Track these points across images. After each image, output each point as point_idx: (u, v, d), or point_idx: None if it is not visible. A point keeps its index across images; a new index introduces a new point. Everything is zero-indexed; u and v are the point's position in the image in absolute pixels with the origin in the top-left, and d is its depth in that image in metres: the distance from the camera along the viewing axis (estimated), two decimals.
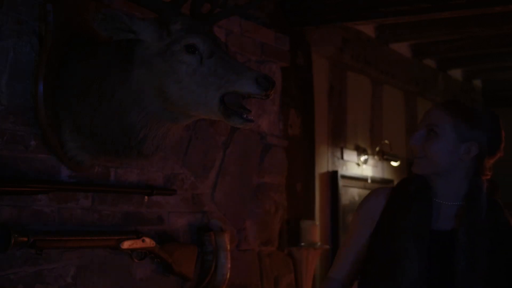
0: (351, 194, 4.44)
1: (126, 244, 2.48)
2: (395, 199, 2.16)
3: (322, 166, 4.19)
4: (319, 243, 3.74)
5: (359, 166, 4.60)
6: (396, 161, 4.86)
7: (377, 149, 4.78)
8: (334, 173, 4.28)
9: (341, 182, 4.31)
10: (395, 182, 4.68)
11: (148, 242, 2.57)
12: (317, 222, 3.97)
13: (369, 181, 4.60)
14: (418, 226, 2.05)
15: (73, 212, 2.38)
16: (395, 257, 2.03)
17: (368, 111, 4.87)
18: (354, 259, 2.17)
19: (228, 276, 2.99)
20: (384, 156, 4.81)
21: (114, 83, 2.18)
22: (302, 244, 3.66)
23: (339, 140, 4.41)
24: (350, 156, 4.51)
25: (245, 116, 2.10)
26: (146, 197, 2.69)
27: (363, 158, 4.61)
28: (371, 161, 4.69)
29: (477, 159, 2.09)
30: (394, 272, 2.01)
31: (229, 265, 2.99)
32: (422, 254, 2.00)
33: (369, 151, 4.66)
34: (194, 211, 2.98)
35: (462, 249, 1.99)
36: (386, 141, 4.85)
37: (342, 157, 4.42)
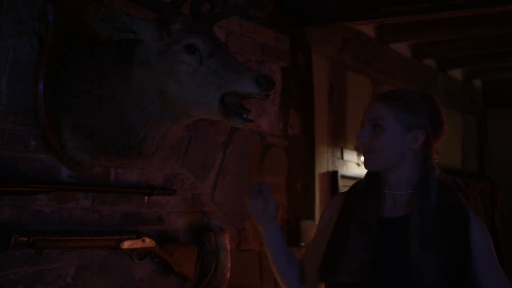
0: None
1: (126, 244, 2.48)
2: (348, 197, 2.19)
3: (322, 166, 4.20)
4: None
5: (359, 166, 4.60)
6: None
7: None
8: (334, 173, 4.28)
9: (341, 182, 4.31)
10: None
11: (148, 242, 2.57)
12: (317, 222, 3.97)
13: None
14: (364, 216, 2.07)
15: (73, 212, 2.38)
16: (339, 248, 2.05)
17: None
18: (311, 260, 2.20)
19: (228, 276, 2.99)
20: None
21: (114, 83, 2.18)
22: (302, 244, 3.66)
23: (339, 140, 4.41)
24: (350, 156, 4.51)
25: (245, 116, 2.10)
26: (146, 197, 2.69)
27: (363, 158, 4.60)
28: None
29: (425, 145, 2.11)
30: (337, 263, 2.03)
31: (229, 265, 2.99)
32: (367, 242, 2.01)
33: None
34: (194, 211, 2.98)
35: (415, 230, 2.00)
36: None
37: (342, 157, 4.42)
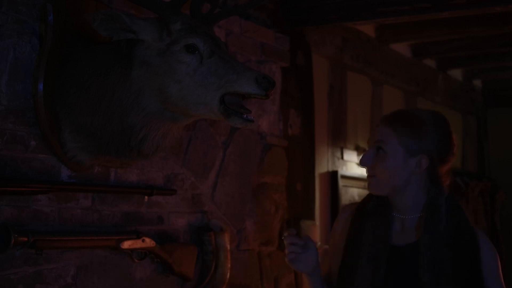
0: (351, 194, 4.44)
1: (126, 244, 2.48)
2: (356, 217, 2.13)
3: (322, 166, 4.19)
4: (319, 243, 3.74)
5: (359, 166, 4.59)
6: None
7: None
8: (334, 173, 4.28)
9: (341, 182, 4.31)
10: None
11: (148, 242, 2.57)
12: (317, 222, 3.97)
13: None
14: (373, 245, 2.02)
15: (73, 212, 2.38)
16: (349, 280, 2.02)
17: (368, 111, 4.87)
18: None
19: (228, 276, 2.99)
20: None
21: (114, 83, 2.18)
22: None
23: (339, 140, 4.41)
24: (350, 156, 4.51)
25: (245, 116, 2.10)
26: (146, 197, 2.69)
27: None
28: None
29: (430, 170, 2.05)
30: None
31: (229, 265, 2.99)
32: (377, 273, 1.98)
33: None
34: (194, 211, 2.98)
35: (425, 262, 1.96)
36: None
37: (342, 157, 4.42)
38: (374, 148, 2.07)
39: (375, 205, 2.11)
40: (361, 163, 2.11)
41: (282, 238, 2.11)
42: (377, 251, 2.01)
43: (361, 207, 2.16)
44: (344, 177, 4.36)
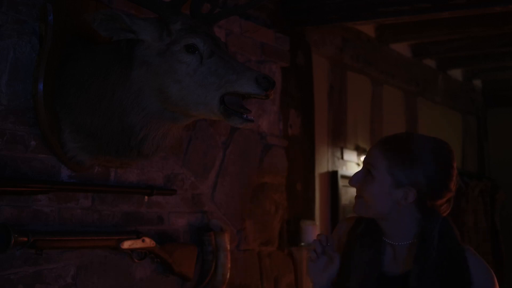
0: (351, 194, 4.44)
1: (126, 244, 2.48)
2: (349, 238, 2.05)
3: (322, 166, 4.19)
4: None
5: (359, 166, 4.60)
6: None
7: None
8: (334, 173, 4.28)
9: (341, 182, 4.31)
10: None
11: (148, 242, 2.57)
12: (317, 222, 3.97)
13: None
14: (363, 271, 1.95)
15: (73, 212, 2.38)
16: None
17: (368, 111, 4.87)
18: None
19: (228, 276, 2.99)
20: None
21: (114, 83, 2.18)
22: (302, 244, 3.66)
23: (339, 140, 4.41)
24: (350, 156, 4.51)
25: (245, 116, 2.10)
26: (146, 197, 2.69)
27: (363, 158, 4.60)
28: None
29: (418, 203, 1.93)
30: None
31: (229, 265, 2.99)
32: None
33: None
34: (194, 211, 2.98)
35: None
36: None
37: (342, 157, 4.42)
38: (364, 169, 1.99)
39: (365, 229, 2.03)
40: (350, 182, 2.02)
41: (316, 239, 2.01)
42: (366, 278, 1.94)
43: (352, 231, 2.08)
44: (344, 177, 4.36)
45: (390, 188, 1.92)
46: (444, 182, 1.93)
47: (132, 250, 2.52)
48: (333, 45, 4.28)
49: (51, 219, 2.30)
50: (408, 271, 1.93)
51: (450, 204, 1.99)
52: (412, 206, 1.93)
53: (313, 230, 3.71)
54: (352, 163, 4.52)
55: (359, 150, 4.60)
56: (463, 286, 1.90)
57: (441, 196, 1.94)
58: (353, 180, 2.00)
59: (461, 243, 1.95)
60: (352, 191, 4.47)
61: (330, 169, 4.28)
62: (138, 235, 2.53)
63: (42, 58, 2.20)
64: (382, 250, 1.98)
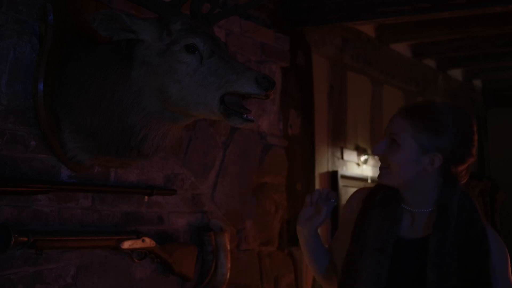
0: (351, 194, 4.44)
1: (126, 244, 2.48)
2: (363, 207, 2.10)
3: (322, 166, 4.20)
4: None
5: (359, 166, 4.60)
6: None
7: None
8: (334, 173, 4.28)
9: (341, 182, 4.31)
10: None
11: (148, 242, 2.57)
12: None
13: (369, 181, 4.60)
14: (379, 237, 1.99)
15: (73, 212, 2.38)
16: (355, 271, 2.00)
17: (368, 111, 4.87)
18: (336, 252, 2.18)
19: (228, 276, 2.99)
20: None
21: (114, 83, 2.18)
22: None
23: (339, 140, 4.41)
24: (350, 156, 4.51)
25: (245, 116, 2.10)
26: (146, 197, 2.69)
27: (363, 158, 4.61)
28: (371, 161, 4.69)
29: (443, 169, 1.98)
30: (353, 283, 1.99)
31: (229, 265, 2.99)
32: (382, 265, 1.95)
33: (369, 151, 4.66)
34: (194, 211, 2.98)
35: (432, 262, 1.92)
36: None
37: (342, 157, 4.42)
38: (388, 138, 2.03)
39: (383, 197, 2.07)
40: (373, 151, 2.08)
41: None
42: (383, 243, 1.98)
43: (369, 198, 2.12)
44: (344, 177, 4.36)
45: (417, 155, 1.97)
46: (467, 146, 1.98)
47: (132, 250, 2.52)
48: (333, 45, 4.28)
49: (51, 219, 2.30)
50: (427, 236, 1.97)
51: (468, 171, 2.04)
52: (436, 174, 1.99)
53: None
54: (352, 163, 4.53)
55: (359, 150, 4.60)
56: (481, 255, 1.94)
57: (464, 160, 1.99)
58: (377, 149, 2.04)
59: (482, 217, 1.99)
60: (352, 191, 4.47)
61: (330, 169, 4.28)
62: (138, 235, 2.53)
63: (42, 58, 2.20)
64: (400, 216, 2.02)
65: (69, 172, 2.35)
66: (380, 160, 2.06)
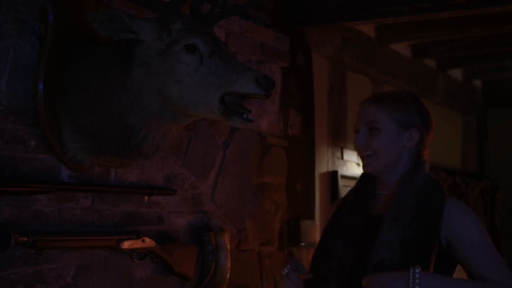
0: None
1: (126, 244, 2.48)
2: (339, 203, 2.27)
3: (322, 166, 4.19)
4: None
5: (359, 166, 4.59)
6: None
7: None
8: (334, 173, 4.28)
9: (341, 182, 4.31)
10: None
11: (148, 242, 2.57)
12: (317, 222, 3.97)
13: None
14: (350, 216, 2.14)
15: (73, 212, 2.38)
16: (324, 253, 2.13)
17: None
18: None
19: (228, 276, 2.99)
20: None
21: (114, 83, 2.18)
22: (302, 244, 3.66)
23: (339, 140, 4.41)
24: (350, 156, 4.51)
25: (245, 116, 2.10)
26: (146, 197, 2.69)
27: (361, 162, 4.60)
28: None
29: (419, 143, 2.17)
30: (323, 268, 2.10)
31: (229, 265, 2.99)
32: (349, 248, 2.08)
33: None
34: (194, 211, 2.98)
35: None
36: None
37: (342, 157, 4.42)
38: (365, 128, 2.17)
39: (357, 188, 2.24)
40: (356, 143, 2.20)
41: (283, 273, 2.09)
42: (352, 220, 2.13)
43: (345, 196, 2.29)
44: (344, 177, 4.36)
45: (397, 133, 2.15)
46: (430, 119, 2.20)
47: (132, 250, 2.52)
48: (333, 45, 4.28)
49: (51, 219, 2.30)
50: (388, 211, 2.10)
51: (427, 149, 2.23)
52: (412, 148, 2.17)
53: (313, 230, 3.71)
54: (352, 163, 4.52)
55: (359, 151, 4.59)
56: (430, 222, 2.04)
57: (430, 132, 2.20)
58: (359, 140, 2.18)
59: (445, 192, 2.13)
60: None
61: (330, 169, 4.28)
62: (138, 235, 2.53)
63: (42, 58, 2.20)
64: (376, 200, 2.18)
65: (69, 172, 2.36)
66: (361, 150, 2.20)
